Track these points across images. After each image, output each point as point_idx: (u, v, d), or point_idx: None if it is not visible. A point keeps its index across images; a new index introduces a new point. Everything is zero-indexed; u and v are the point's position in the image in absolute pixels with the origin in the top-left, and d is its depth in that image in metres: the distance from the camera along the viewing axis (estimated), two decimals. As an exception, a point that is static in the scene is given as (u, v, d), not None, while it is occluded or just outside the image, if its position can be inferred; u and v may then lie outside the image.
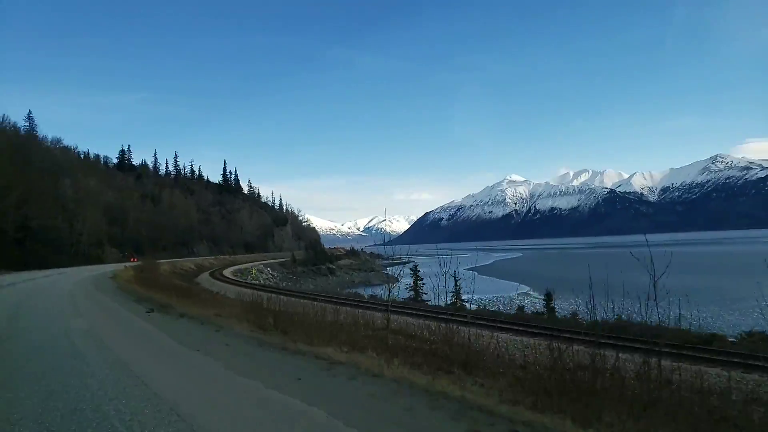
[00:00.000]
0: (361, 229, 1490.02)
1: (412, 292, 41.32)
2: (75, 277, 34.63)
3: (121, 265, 47.75)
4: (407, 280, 44.82)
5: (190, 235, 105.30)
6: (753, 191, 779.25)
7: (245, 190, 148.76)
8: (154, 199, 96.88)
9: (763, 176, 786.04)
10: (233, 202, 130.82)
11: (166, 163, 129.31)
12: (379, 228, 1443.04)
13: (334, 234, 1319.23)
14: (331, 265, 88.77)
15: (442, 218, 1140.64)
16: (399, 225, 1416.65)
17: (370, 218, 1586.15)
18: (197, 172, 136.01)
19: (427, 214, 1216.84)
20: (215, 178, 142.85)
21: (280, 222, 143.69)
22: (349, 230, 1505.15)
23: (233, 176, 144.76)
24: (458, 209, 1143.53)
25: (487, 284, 59.53)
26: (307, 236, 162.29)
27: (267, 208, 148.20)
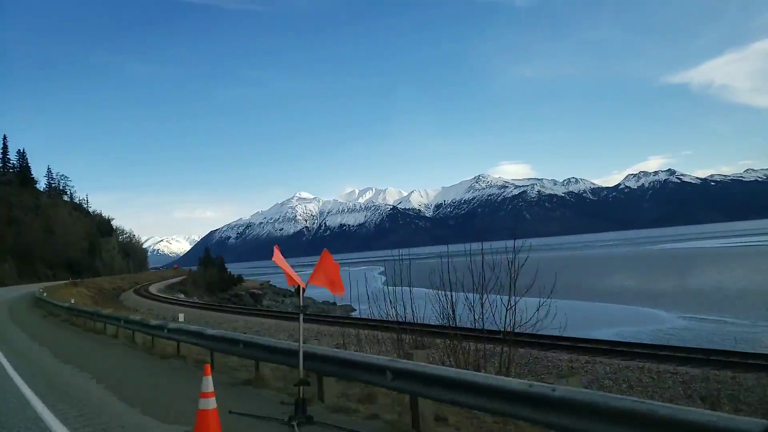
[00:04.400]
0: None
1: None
2: None
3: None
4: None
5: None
6: (509, 207, 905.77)
7: (44, 183, 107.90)
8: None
9: (516, 193, 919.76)
10: (36, 199, 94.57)
11: None
12: (155, 249, 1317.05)
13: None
14: (254, 291, 66.14)
15: (230, 237, 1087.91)
16: (179, 245, 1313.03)
17: (144, 239, 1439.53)
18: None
19: (212, 232, 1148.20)
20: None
21: (105, 231, 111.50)
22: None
23: (21, 161, 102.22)
24: (247, 227, 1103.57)
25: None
26: (136, 253, 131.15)
27: (81, 210, 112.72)
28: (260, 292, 61.41)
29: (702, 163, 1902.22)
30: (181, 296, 51.10)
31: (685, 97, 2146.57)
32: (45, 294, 31.29)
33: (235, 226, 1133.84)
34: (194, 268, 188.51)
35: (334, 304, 55.53)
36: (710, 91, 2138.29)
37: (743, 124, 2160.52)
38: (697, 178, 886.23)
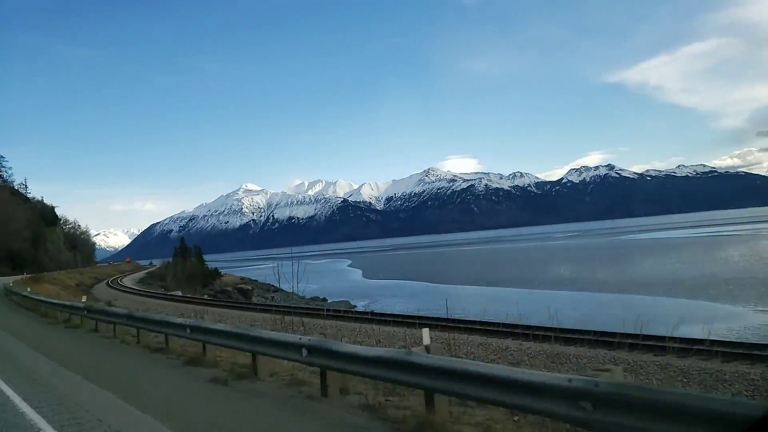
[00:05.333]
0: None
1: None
2: None
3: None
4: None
5: None
6: (458, 200, 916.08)
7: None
8: None
9: (465, 187, 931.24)
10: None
11: None
12: (92, 243, 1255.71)
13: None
14: (242, 287, 59.09)
15: (172, 230, 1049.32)
16: (117, 239, 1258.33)
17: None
18: None
19: (153, 225, 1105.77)
20: None
21: (49, 221, 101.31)
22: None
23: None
24: (190, 220, 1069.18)
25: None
26: (82, 245, 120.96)
27: (19, 195, 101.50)
28: (249, 287, 54.98)
29: (638, 159, 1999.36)
30: (178, 293, 44.54)
31: (622, 96, 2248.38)
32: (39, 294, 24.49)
33: (177, 218, 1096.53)
34: (153, 261, 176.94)
35: (325, 300, 49.49)
36: (645, 90, 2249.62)
37: (674, 122, 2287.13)
38: (635, 173, 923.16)
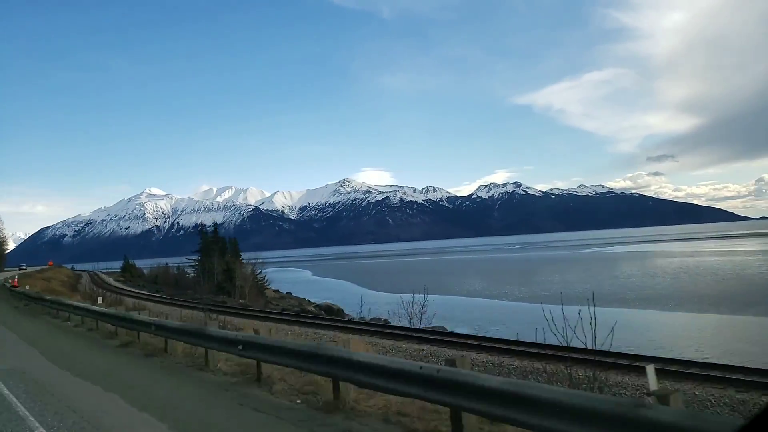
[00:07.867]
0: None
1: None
2: None
3: None
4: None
5: None
6: (373, 211, 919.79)
7: None
8: None
9: (380, 199, 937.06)
10: None
11: None
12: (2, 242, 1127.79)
13: None
14: (329, 306, 46.94)
15: (66, 234, 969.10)
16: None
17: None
18: None
19: (44, 229, 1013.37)
20: None
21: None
22: None
23: None
24: (87, 224, 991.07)
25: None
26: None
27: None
28: (336, 306, 42.81)
29: (542, 178, 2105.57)
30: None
31: (528, 117, 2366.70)
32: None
33: (72, 223, 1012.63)
34: (75, 266, 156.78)
35: (387, 321, 38.41)
36: (550, 113, 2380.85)
37: (575, 144, 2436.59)
38: (540, 191, 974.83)
